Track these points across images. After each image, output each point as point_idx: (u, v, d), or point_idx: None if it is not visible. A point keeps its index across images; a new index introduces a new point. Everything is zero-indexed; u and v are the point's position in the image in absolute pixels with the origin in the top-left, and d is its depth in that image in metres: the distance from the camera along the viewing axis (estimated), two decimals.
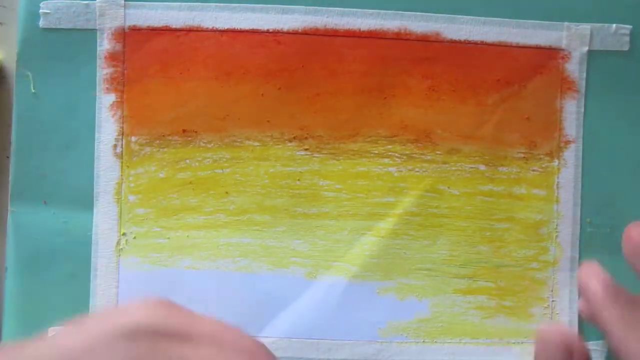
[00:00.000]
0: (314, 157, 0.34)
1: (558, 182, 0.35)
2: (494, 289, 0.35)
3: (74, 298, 0.35)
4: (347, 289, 0.35)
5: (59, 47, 0.34)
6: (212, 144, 0.34)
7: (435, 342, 0.35)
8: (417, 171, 0.35)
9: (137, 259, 0.34)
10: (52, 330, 0.34)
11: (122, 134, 0.34)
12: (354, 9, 0.34)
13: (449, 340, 0.35)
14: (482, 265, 0.35)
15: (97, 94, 0.34)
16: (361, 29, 0.34)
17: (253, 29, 0.34)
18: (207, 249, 0.35)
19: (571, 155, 0.35)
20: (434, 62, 0.34)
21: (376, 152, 0.35)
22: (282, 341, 0.35)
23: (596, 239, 0.35)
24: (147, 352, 0.24)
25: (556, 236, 0.35)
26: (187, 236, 0.35)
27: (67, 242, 0.34)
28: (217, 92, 0.34)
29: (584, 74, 0.35)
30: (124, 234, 0.34)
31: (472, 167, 0.35)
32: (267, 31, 0.34)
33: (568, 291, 0.35)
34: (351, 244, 0.35)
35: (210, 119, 0.34)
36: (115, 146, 0.34)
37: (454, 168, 0.35)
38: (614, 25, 0.34)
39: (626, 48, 0.34)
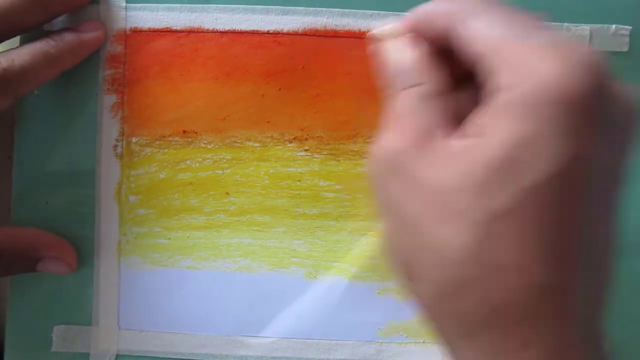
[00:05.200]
0: (314, 157, 0.35)
1: None
2: None
3: (75, 298, 0.35)
4: (347, 290, 0.35)
5: None
6: (213, 145, 0.34)
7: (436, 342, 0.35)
8: None
9: (138, 259, 0.35)
10: (56, 330, 0.35)
11: (123, 135, 0.34)
12: (354, 10, 0.34)
13: None
14: None
15: (98, 95, 0.34)
16: (361, 30, 0.34)
17: (253, 30, 0.34)
18: (208, 249, 0.35)
19: None
20: None
21: None
22: (282, 341, 0.35)
23: None
24: None
25: None
26: (188, 237, 0.35)
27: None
28: (218, 93, 0.34)
29: None
30: (124, 235, 0.35)
31: None
32: (268, 32, 0.34)
33: None
34: (351, 244, 0.35)
35: (210, 119, 0.34)
36: (115, 147, 0.34)
37: None
38: (614, 26, 0.34)
39: (626, 49, 0.34)
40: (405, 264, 0.23)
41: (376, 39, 0.29)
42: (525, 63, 0.21)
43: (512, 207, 0.20)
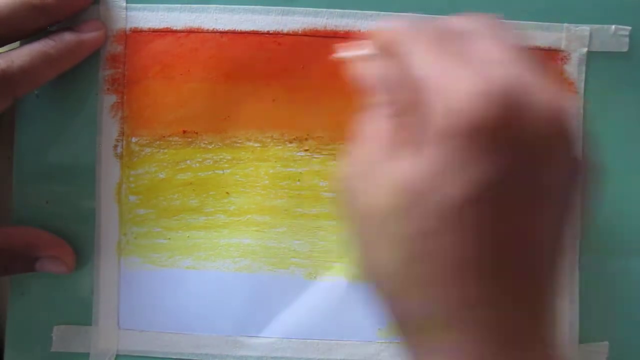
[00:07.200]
0: (314, 157, 0.35)
1: None
2: None
3: (75, 298, 0.35)
4: (347, 290, 0.35)
5: None
6: (213, 145, 0.34)
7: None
8: None
9: (138, 259, 0.35)
10: (56, 330, 0.35)
11: (123, 135, 0.34)
12: (354, 11, 0.34)
13: None
14: None
15: (98, 95, 0.34)
16: (361, 30, 0.34)
17: (253, 31, 0.34)
18: (208, 249, 0.35)
19: None
20: None
21: None
22: (282, 341, 0.35)
23: (596, 239, 0.35)
24: None
25: None
26: (188, 237, 0.35)
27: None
28: (218, 93, 0.34)
29: (583, 75, 0.34)
30: (124, 235, 0.35)
31: None
32: (268, 32, 0.34)
33: (568, 291, 0.35)
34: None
35: (210, 120, 0.34)
36: (115, 147, 0.34)
37: None
38: (613, 26, 0.34)
39: (625, 49, 0.34)
40: (361, 259, 0.26)
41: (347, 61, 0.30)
42: (441, 94, 0.23)
43: (427, 231, 0.22)
